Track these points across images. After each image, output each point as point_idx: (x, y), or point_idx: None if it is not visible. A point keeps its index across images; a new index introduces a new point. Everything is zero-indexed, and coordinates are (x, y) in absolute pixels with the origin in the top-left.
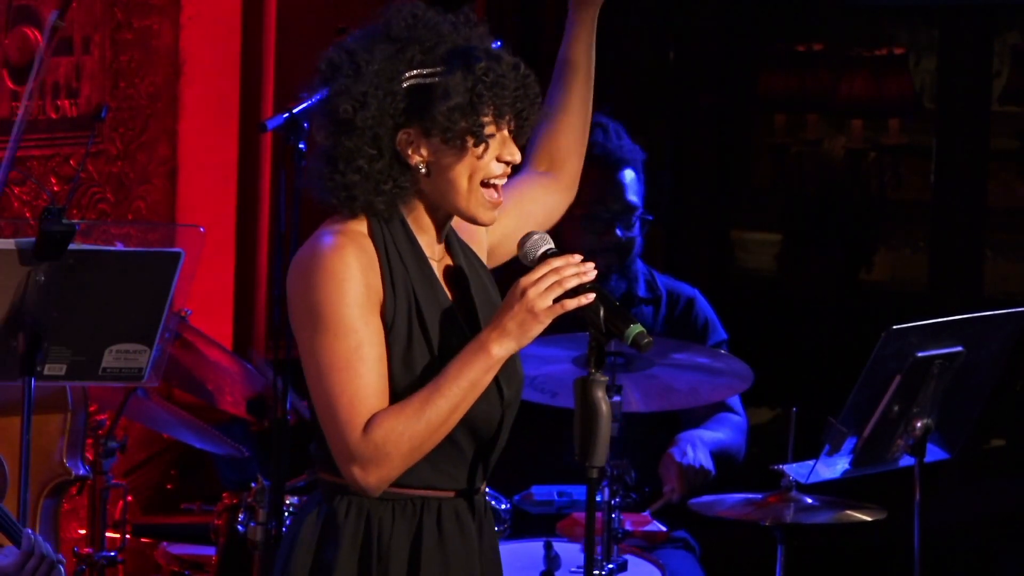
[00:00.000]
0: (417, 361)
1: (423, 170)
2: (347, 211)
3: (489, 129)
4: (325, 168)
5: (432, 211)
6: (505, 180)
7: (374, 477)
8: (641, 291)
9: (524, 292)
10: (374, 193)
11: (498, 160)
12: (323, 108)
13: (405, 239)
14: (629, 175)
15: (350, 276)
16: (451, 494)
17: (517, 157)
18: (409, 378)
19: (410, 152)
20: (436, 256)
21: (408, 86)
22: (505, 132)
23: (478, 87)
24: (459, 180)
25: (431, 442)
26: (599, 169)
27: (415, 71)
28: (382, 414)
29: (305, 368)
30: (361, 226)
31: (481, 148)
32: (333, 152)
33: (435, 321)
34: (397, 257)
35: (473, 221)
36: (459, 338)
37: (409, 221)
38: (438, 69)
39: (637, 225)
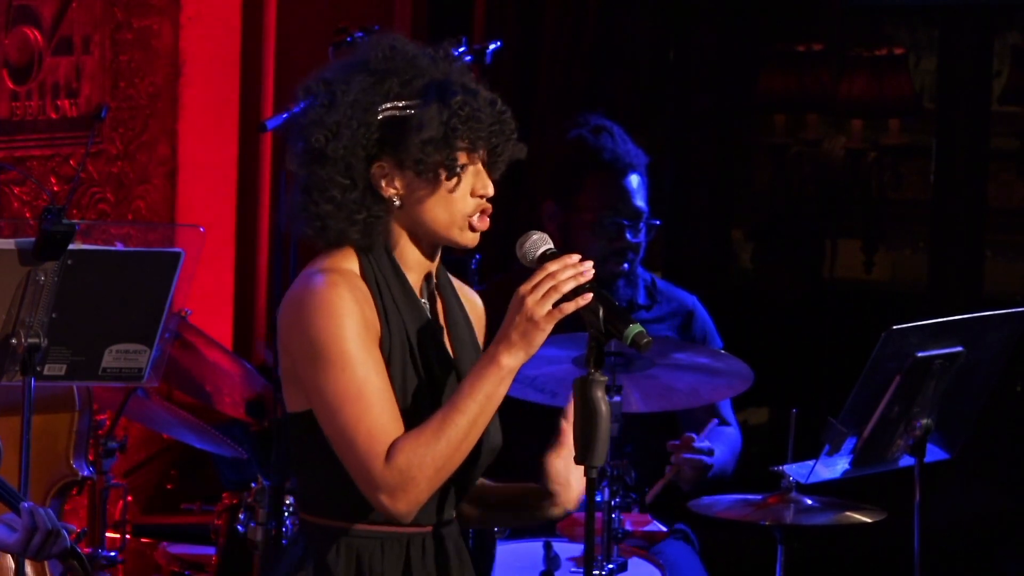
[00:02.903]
0: (411, 395)
1: (396, 202)
2: (321, 241)
3: (462, 160)
4: (300, 198)
5: (415, 243)
6: (487, 215)
7: (403, 504)
8: (641, 298)
9: (523, 300)
10: (348, 223)
11: (472, 195)
12: (297, 137)
13: (393, 274)
14: (636, 180)
15: (348, 311)
16: (429, 529)
17: (490, 190)
18: (407, 412)
19: (384, 184)
20: (423, 291)
21: (383, 118)
22: (479, 165)
23: (452, 120)
24: (434, 211)
25: (454, 461)
26: (608, 174)
27: (391, 103)
28: (402, 440)
29: (313, 406)
30: (352, 264)
31: (453, 182)
32: (307, 182)
33: (427, 356)
34: (388, 293)
35: (455, 246)
36: (451, 373)
37: (395, 255)
38: (414, 102)
39: (644, 230)
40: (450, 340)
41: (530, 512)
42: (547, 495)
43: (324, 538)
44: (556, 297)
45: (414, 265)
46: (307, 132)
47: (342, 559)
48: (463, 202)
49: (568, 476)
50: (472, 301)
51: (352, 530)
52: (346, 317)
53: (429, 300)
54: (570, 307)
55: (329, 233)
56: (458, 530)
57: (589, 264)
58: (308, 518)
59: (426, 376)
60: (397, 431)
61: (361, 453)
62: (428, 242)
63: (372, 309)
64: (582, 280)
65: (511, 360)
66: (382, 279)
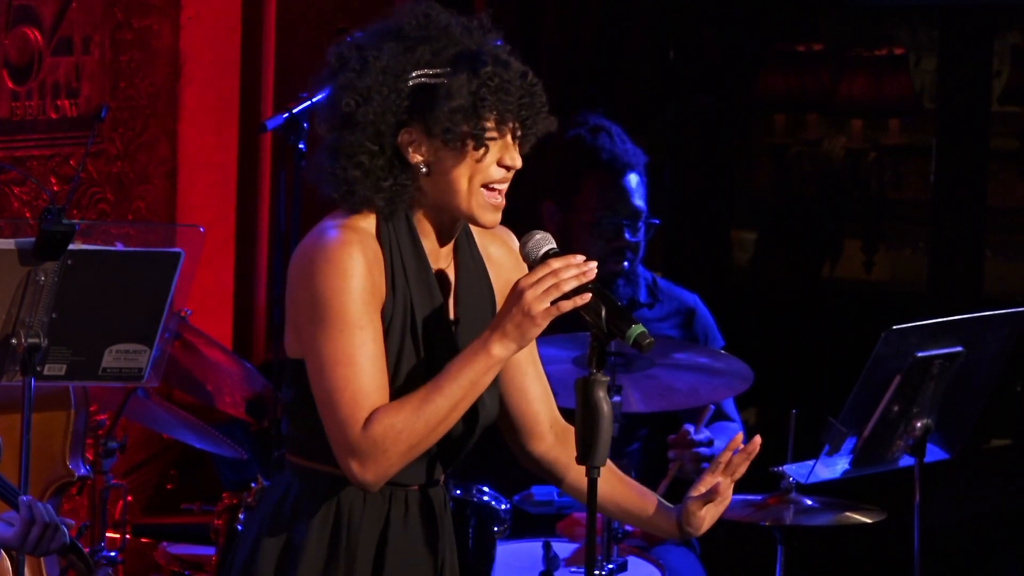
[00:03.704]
0: (405, 366)
1: (423, 169)
2: (347, 206)
3: (491, 133)
4: (327, 162)
5: (436, 213)
6: (507, 184)
7: (372, 473)
8: (643, 296)
9: (521, 294)
10: (374, 189)
11: (499, 164)
12: (328, 101)
13: (409, 241)
14: (634, 179)
15: (356, 272)
16: (415, 487)
17: (518, 163)
18: (397, 382)
19: (411, 151)
20: (440, 260)
21: (413, 85)
22: (508, 138)
23: (481, 91)
24: (459, 181)
25: (429, 440)
26: (606, 174)
27: (422, 71)
28: (382, 410)
29: (306, 358)
30: (369, 225)
31: (481, 152)
32: (335, 146)
33: (427, 327)
34: (399, 258)
35: (474, 222)
36: (448, 346)
37: (415, 222)
38: (445, 70)
39: (643, 229)
40: (456, 310)
41: (650, 528)
42: (678, 530)
43: (309, 479)
44: (556, 295)
45: (432, 233)
46: (338, 96)
47: (323, 501)
48: (488, 172)
49: (705, 522)
50: (505, 246)
51: (337, 477)
52: (353, 278)
53: (445, 268)
54: (567, 305)
55: (355, 198)
56: (445, 493)
57: (593, 265)
58: (295, 459)
59: (423, 346)
60: (381, 400)
61: (342, 417)
62: (450, 213)
63: (381, 272)
64: (584, 280)
65: (502, 350)
66: (395, 244)
